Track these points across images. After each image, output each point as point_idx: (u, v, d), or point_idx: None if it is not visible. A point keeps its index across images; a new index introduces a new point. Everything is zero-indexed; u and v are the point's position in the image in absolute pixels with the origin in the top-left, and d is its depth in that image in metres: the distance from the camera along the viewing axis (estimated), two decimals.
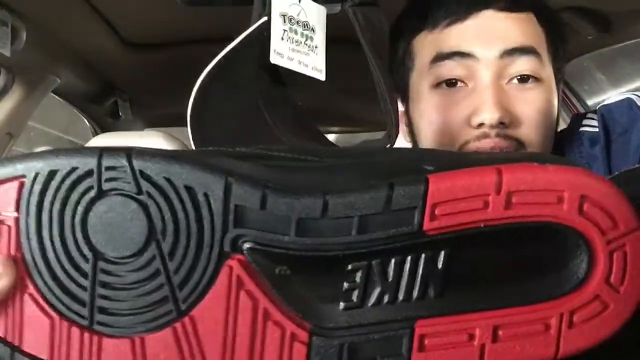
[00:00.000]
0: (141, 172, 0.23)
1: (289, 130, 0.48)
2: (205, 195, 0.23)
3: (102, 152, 0.23)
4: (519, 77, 0.52)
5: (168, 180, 0.23)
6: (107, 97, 1.64)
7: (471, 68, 0.52)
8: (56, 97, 1.46)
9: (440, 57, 0.54)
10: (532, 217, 0.23)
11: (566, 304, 0.24)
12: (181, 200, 0.23)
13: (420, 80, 0.57)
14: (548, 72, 0.54)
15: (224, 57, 0.45)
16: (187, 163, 0.23)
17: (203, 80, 0.44)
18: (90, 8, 1.07)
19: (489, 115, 0.50)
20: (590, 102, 1.46)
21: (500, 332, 0.24)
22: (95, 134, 1.74)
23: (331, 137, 2.59)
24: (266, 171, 0.25)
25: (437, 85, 0.56)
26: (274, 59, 0.47)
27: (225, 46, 0.46)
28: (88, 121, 1.77)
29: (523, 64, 0.52)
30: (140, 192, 0.23)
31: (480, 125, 0.51)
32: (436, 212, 0.23)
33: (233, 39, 0.46)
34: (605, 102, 0.56)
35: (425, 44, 0.57)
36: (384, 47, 0.45)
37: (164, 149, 0.25)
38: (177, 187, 0.23)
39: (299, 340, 0.24)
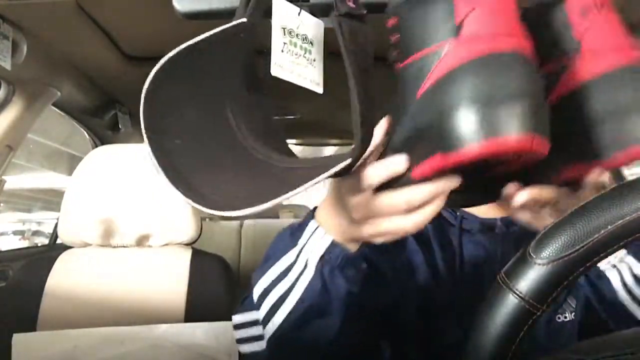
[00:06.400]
0: None
1: (252, 136, 0.47)
2: None
3: None
4: None
5: None
6: (107, 110, 1.65)
7: None
8: (56, 109, 1.47)
9: None
10: None
11: None
12: None
13: None
14: None
15: (188, 47, 0.44)
16: None
17: (164, 64, 0.43)
18: (91, 22, 1.08)
19: None
20: None
21: None
22: (95, 146, 1.75)
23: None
24: None
25: None
26: (274, 71, 0.47)
27: None
28: (88, 134, 1.77)
29: None
30: None
31: None
32: None
33: None
34: None
35: None
36: (366, 62, 0.46)
37: None
38: None
39: None
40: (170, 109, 0.44)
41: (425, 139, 0.40)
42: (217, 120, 0.46)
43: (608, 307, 0.61)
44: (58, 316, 1.05)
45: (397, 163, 0.42)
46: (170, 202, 1.15)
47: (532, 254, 0.35)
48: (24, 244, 6.97)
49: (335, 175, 0.42)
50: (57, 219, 1.22)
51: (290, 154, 0.52)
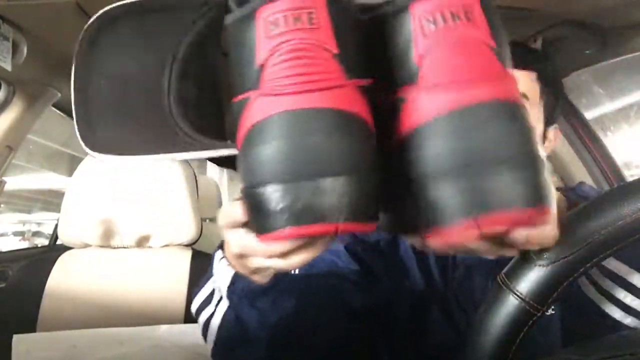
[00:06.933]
0: None
1: (180, 106, 0.44)
2: None
3: None
4: None
5: None
6: None
7: None
8: (56, 110, 1.46)
9: None
10: None
11: None
12: None
13: None
14: (535, 110, 0.70)
15: (146, 3, 0.42)
16: None
17: (119, 9, 0.41)
18: None
19: None
20: (588, 115, 1.46)
21: None
22: None
23: None
24: None
25: None
26: None
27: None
28: None
29: None
30: None
31: None
32: None
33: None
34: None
35: None
36: None
37: None
38: None
39: None
40: (109, 50, 0.42)
41: (244, 203, 0.34)
42: (152, 77, 0.44)
43: (570, 299, 0.60)
44: (58, 317, 1.05)
45: (235, 214, 0.37)
46: (171, 203, 1.15)
47: (532, 256, 0.36)
48: (24, 244, 6.97)
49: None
50: (57, 220, 1.22)
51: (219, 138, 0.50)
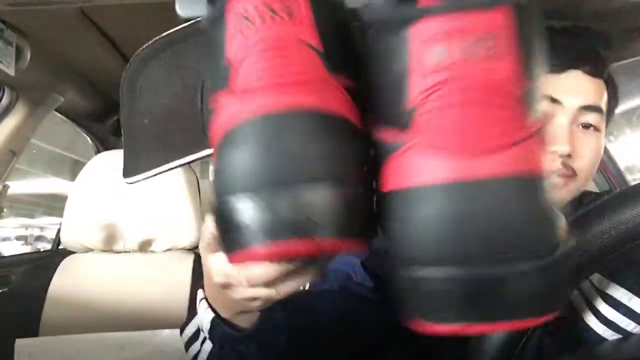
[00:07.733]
0: None
1: None
2: None
3: None
4: (584, 124, 0.66)
5: None
6: (109, 115, 1.65)
7: (554, 110, 0.65)
8: (58, 115, 1.47)
9: None
10: None
11: None
12: None
13: None
14: (604, 125, 0.68)
15: (166, 37, 0.43)
16: None
17: (141, 53, 0.43)
18: (94, 27, 1.08)
19: (561, 147, 0.63)
20: None
21: None
22: (98, 151, 1.75)
23: None
24: None
25: None
26: None
27: None
28: (90, 139, 1.77)
29: (592, 117, 0.65)
30: None
31: (553, 152, 0.65)
32: None
33: None
34: None
35: None
36: None
37: None
38: None
39: None
40: (146, 93, 0.44)
41: (214, 218, 0.31)
42: (187, 104, 0.46)
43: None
44: (60, 321, 1.05)
45: (212, 231, 0.35)
46: (173, 207, 1.15)
47: None
48: (27, 249, 6.98)
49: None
50: (60, 224, 1.22)
51: None
